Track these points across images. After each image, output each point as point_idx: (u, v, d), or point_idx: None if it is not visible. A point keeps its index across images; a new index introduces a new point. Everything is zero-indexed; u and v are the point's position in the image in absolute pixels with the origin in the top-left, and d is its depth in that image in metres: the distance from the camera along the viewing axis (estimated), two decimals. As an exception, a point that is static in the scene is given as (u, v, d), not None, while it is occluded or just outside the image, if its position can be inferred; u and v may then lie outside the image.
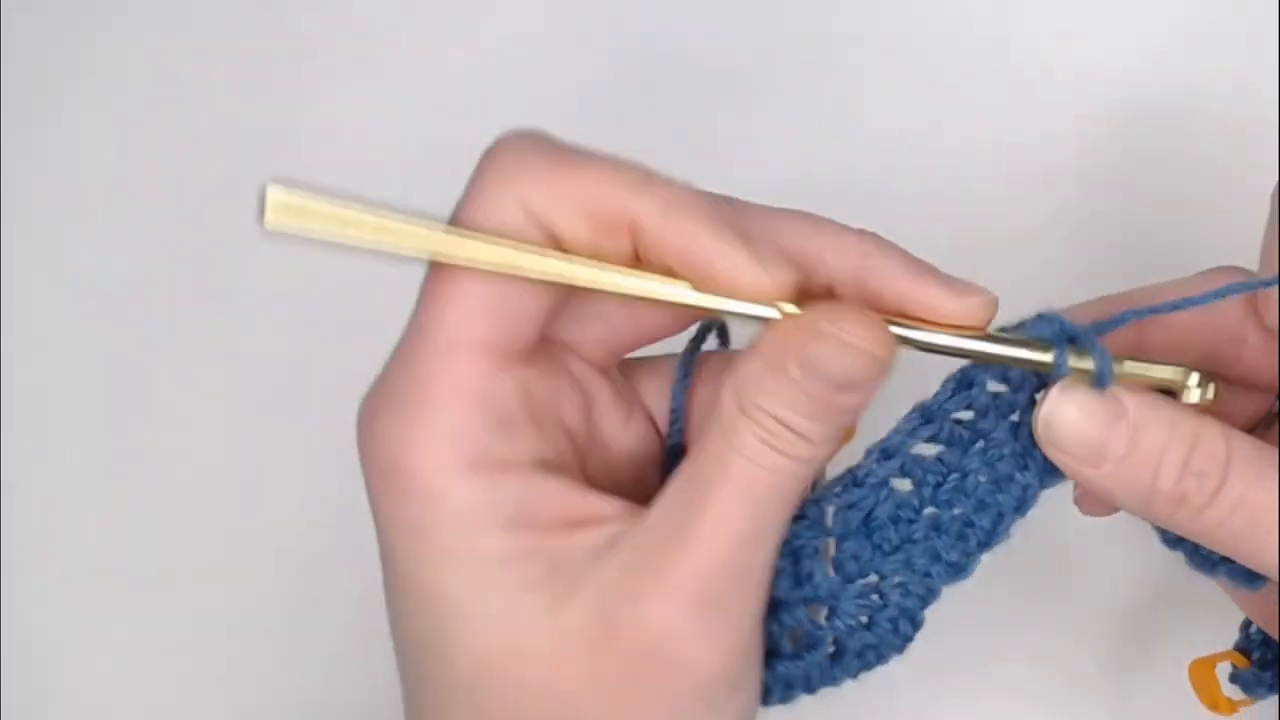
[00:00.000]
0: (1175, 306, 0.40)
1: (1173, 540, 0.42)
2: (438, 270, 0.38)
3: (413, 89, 0.61)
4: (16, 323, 0.61)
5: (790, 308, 0.37)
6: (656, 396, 0.43)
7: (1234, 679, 0.44)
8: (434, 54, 0.61)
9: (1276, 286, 0.40)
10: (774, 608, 0.40)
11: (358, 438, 0.38)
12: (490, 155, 0.38)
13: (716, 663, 0.37)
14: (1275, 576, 0.38)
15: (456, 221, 0.37)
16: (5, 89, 0.62)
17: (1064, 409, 0.39)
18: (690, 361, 0.43)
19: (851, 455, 0.41)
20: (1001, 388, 0.40)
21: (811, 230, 0.39)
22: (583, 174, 0.37)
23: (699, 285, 0.37)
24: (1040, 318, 0.40)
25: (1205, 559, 0.42)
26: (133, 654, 0.60)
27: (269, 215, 0.34)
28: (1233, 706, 0.44)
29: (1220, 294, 0.40)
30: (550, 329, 0.40)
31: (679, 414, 0.43)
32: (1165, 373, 0.40)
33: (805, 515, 0.40)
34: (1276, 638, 0.44)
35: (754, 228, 0.38)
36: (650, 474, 0.42)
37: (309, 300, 0.59)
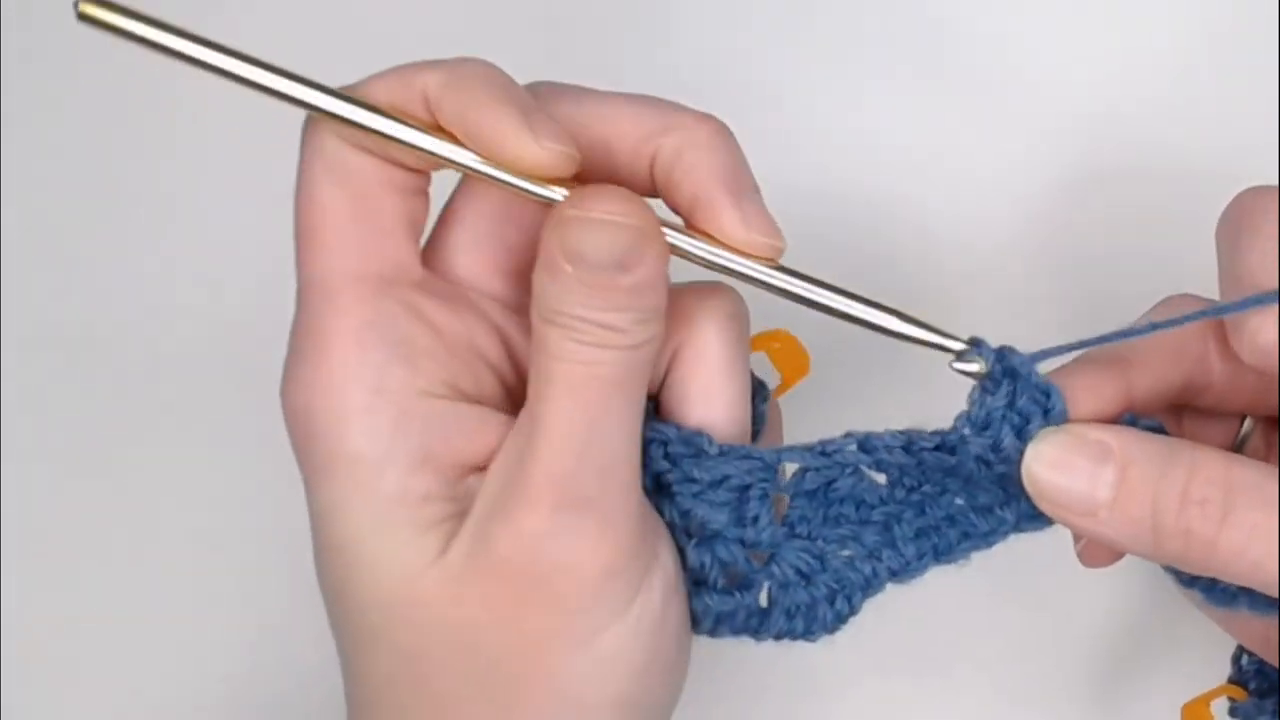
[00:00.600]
0: (1125, 335, 0.39)
1: (1187, 580, 0.40)
2: (304, 231, 0.39)
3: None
4: (17, 322, 0.61)
5: (564, 192, 0.36)
6: None
7: (1233, 713, 0.43)
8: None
9: (1239, 312, 0.38)
10: (709, 539, 0.40)
11: (281, 404, 0.38)
12: None
13: (599, 561, 0.36)
14: None
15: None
16: (5, 89, 0.62)
17: (1044, 463, 0.37)
18: None
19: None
20: (990, 456, 0.39)
21: (641, 111, 0.38)
22: (415, 69, 0.37)
23: (482, 156, 0.36)
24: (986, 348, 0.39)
25: (1224, 594, 0.40)
26: (133, 654, 0.60)
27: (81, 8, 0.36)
28: None
29: (1177, 322, 0.39)
30: (437, 266, 0.40)
31: None
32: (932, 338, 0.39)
33: (757, 457, 0.39)
34: (1278, 665, 0.43)
35: (562, 108, 0.38)
36: None
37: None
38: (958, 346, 0.39)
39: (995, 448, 0.38)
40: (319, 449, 0.38)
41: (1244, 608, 0.40)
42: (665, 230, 0.37)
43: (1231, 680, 0.45)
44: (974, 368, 0.39)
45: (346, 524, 0.37)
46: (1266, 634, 0.42)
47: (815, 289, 0.38)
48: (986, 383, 0.38)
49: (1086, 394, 0.39)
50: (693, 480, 0.39)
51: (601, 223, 0.35)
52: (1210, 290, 0.41)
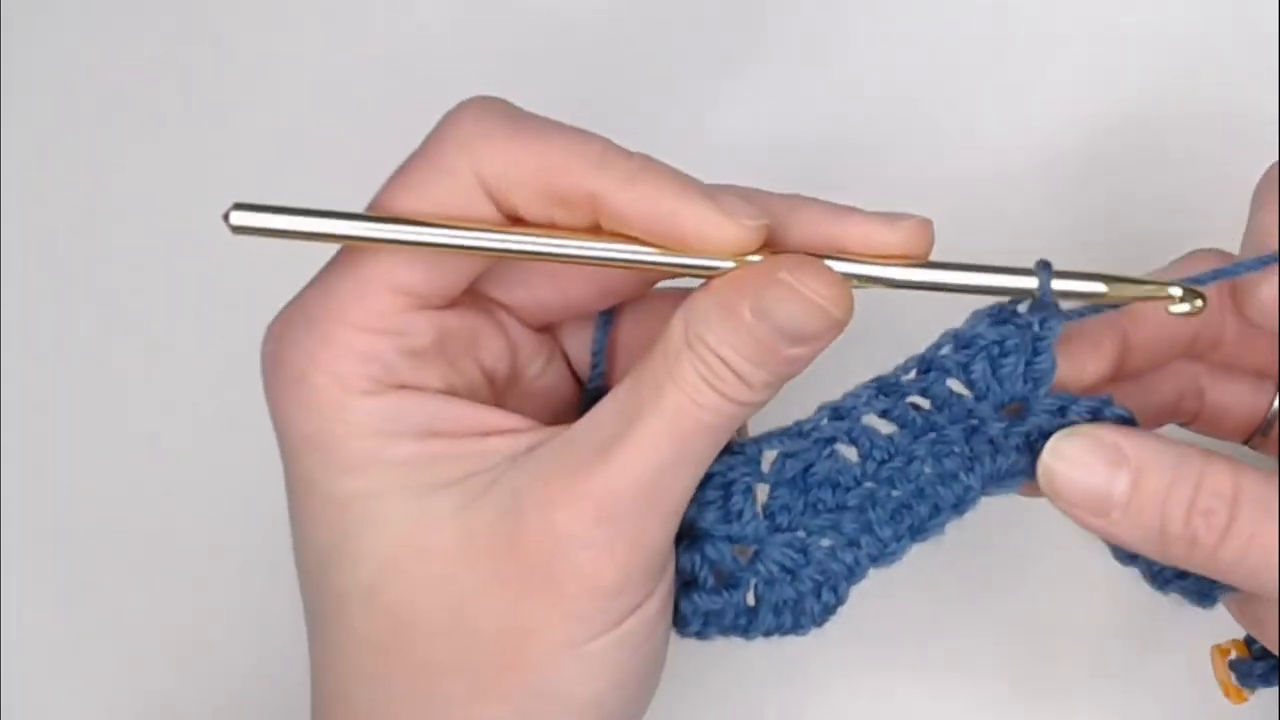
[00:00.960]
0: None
1: (1162, 583, 0.42)
2: (380, 202, 0.38)
3: (412, 87, 0.61)
4: (17, 323, 0.61)
5: (753, 257, 0.37)
6: (574, 342, 0.43)
7: (1232, 667, 0.45)
8: (432, 50, 0.61)
9: (1260, 270, 0.40)
10: (698, 539, 0.40)
11: (263, 350, 0.39)
12: (450, 120, 0.38)
13: (614, 577, 0.37)
14: None
15: (405, 181, 0.38)
16: (5, 89, 0.62)
17: (1063, 462, 0.38)
18: (609, 311, 0.43)
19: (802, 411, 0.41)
20: (965, 391, 0.40)
21: (741, 192, 0.39)
22: (542, 149, 0.37)
23: (667, 246, 0.37)
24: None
25: (1159, 579, 0.42)
26: (133, 654, 0.59)
27: (233, 221, 0.36)
28: (1241, 695, 0.45)
29: (1211, 277, 0.40)
30: (481, 288, 0.40)
31: (600, 358, 0.43)
32: (1147, 289, 0.39)
33: (743, 451, 0.40)
34: (1276, 649, 0.44)
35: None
36: (565, 417, 0.42)
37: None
38: (1177, 291, 0.39)
39: (967, 368, 0.39)
40: (315, 420, 0.38)
41: (1177, 593, 0.42)
42: (852, 265, 0.38)
43: (1246, 638, 0.45)
44: (1188, 307, 0.39)
45: (349, 484, 0.37)
46: (1257, 618, 0.43)
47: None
48: (1004, 309, 0.39)
49: (1080, 340, 0.40)
50: None
51: (807, 299, 0.36)
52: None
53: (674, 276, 0.38)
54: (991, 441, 0.40)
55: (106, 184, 0.62)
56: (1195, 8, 0.58)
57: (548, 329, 0.43)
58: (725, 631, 0.41)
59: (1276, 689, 0.44)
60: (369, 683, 0.38)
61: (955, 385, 0.40)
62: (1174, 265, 0.43)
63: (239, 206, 0.36)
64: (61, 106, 0.62)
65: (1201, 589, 0.41)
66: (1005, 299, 0.39)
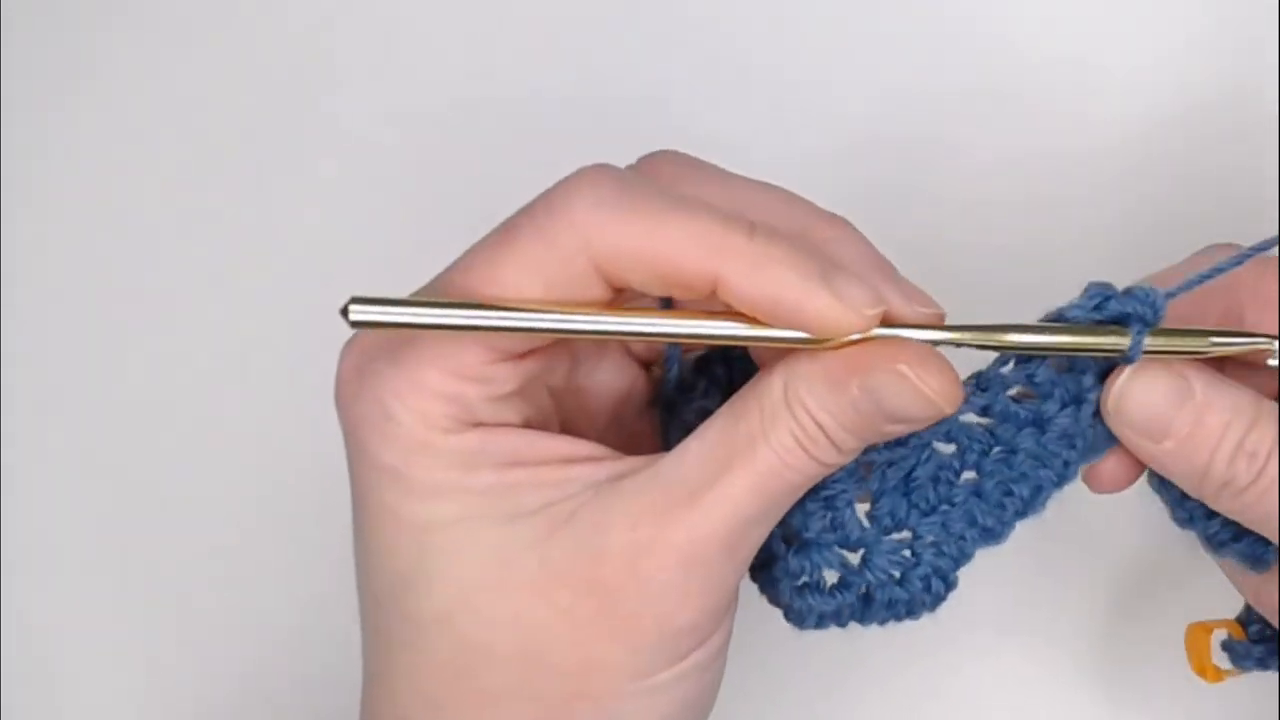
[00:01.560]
0: (1192, 283, 0.41)
1: (1184, 520, 0.43)
2: (478, 272, 0.38)
3: (412, 86, 0.61)
4: (17, 323, 0.61)
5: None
6: None
7: (1226, 648, 0.45)
8: (433, 51, 0.62)
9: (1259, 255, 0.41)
10: (806, 546, 0.41)
11: (340, 373, 0.39)
12: (564, 192, 0.38)
13: (687, 620, 0.38)
14: None
15: (508, 252, 0.37)
16: (5, 89, 0.62)
17: (1137, 387, 0.40)
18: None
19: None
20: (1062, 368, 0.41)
21: (786, 209, 0.40)
22: (661, 232, 0.37)
23: (784, 327, 0.37)
24: (1098, 295, 0.40)
25: (1215, 542, 0.43)
26: (133, 654, 0.60)
27: (352, 317, 0.36)
28: (1219, 675, 0.45)
29: (1226, 267, 0.41)
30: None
31: (673, 362, 0.43)
32: (1245, 345, 0.40)
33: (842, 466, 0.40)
34: (1276, 624, 0.44)
35: (710, 194, 0.38)
36: (625, 410, 0.43)
37: (311, 298, 0.59)
38: (1277, 346, 0.40)
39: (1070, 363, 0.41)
40: (398, 452, 0.38)
41: (1231, 558, 0.43)
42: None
43: (1239, 619, 0.46)
44: None
45: (430, 512, 0.38)
46: (1256, 588, 0.44)
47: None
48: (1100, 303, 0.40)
49: None
50: None
51: (921, 393, 0.37)
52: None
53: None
54: (1096, 413, 0.41)
55: (106, 183, 0.62)
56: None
57: None
58: (843, 623, 0.42)
59: (1276, 675, 0.44)
60: (433, 706, 0.39)
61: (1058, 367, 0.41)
62: (1188, 261, 0.43)
63: (356, 300, 0.36)
64: (61, 106, 0.62)
65: (1255, 552, 0.42)
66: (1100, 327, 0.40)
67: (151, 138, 0.62)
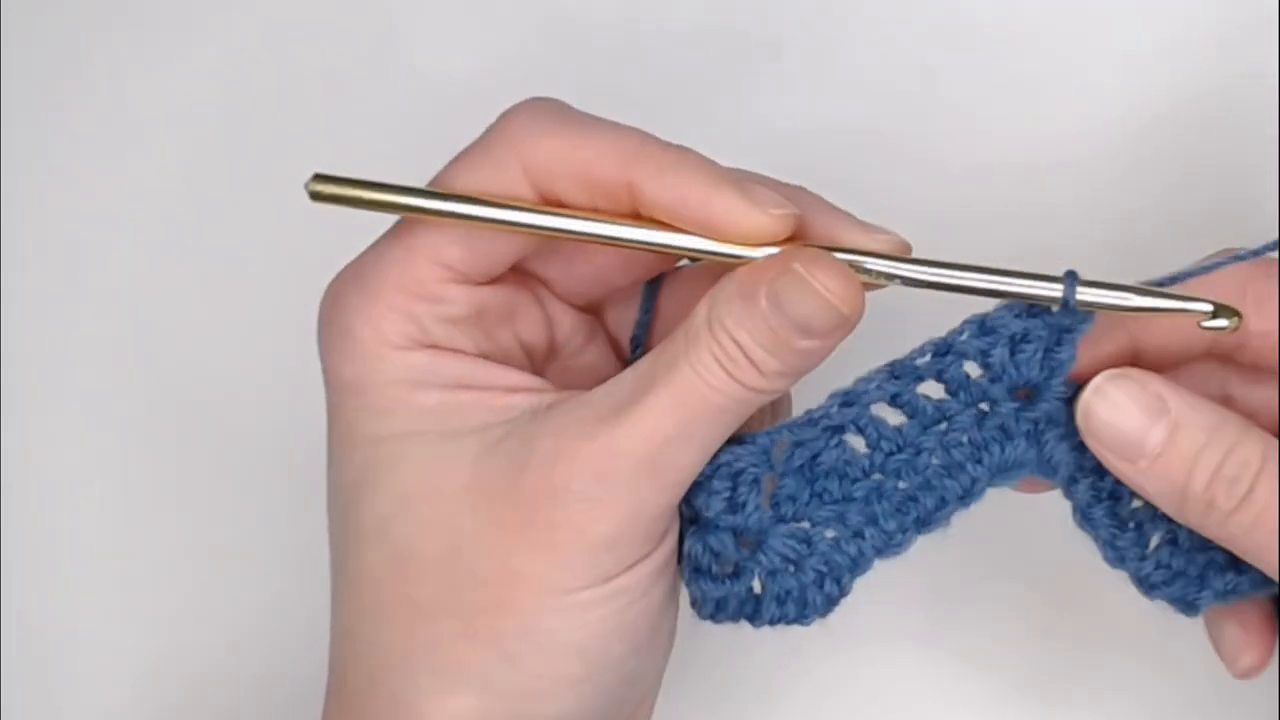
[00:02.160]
0: (1175, 279, 0.40)
1: (1115, 560, 0.42)
2: (436, 182, 0.41)
3: (410, 88, 0.61)
4: (17, 323, 0.61)
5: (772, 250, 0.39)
6: (617, 323, 0.46)
7: None
8: (433, 51, 0.62)
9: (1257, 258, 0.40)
10: (704, 528, 0.41)
11: (320, 306, 0.41)
12: (505, 116, 0.41)
13: (605, 532, 0.38)
14: None
15: (458, 167, 0.41)
16: (5, 89, 0.62)
17: (1105, 401, 0.39)
18: (652, 294, 0.44)
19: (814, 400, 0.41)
20: (979, 372, 0.40)
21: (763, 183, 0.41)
22: (583, 142, 0.39)
23: (698, 233, 0.39)
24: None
25: (1146, 584, 0.42)
26: (134, 654, 0.60)
27: (311, 188, 0.40)
28: None
29: (1212, 267, 0.41)
30: (522, 263, 0.42)
31: (641, 334, 0.44)
32: (1177, 304, 0.39)
33: (754, 442, 0.41)
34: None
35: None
36: None
37: (312, 297, 0.59)
38: (1206, 307, 0.39)
39: (985, 353, 0.40)
40: (356, 368, 0.40)
41: (1164, 600, 0.42)
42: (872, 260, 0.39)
43: None
44: (1224, 323, 0.39)
45: (381, 425, 0.40)
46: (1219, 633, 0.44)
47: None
48: (1035, 305, 0.40)
49: (1085, 346, 0.41)
50: None
51: (817, 293, 0.37)
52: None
53: (700, 260, 0.40)
54: (1002, 428, 0.40)
55: (106, 183, 0.62)
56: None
57: (591, 309, 0.45)
58: (734, 617, 0.42)
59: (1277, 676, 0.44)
60: (371, 617, 0.40)
61: (971, 369, 0.41)
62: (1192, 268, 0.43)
63: (318, 177, 0.40)
64: (61, 106, 0.62)
65: (1186, 597, 0.42)
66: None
67: (151, 138, 0.62)
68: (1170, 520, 0.40)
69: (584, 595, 0.39)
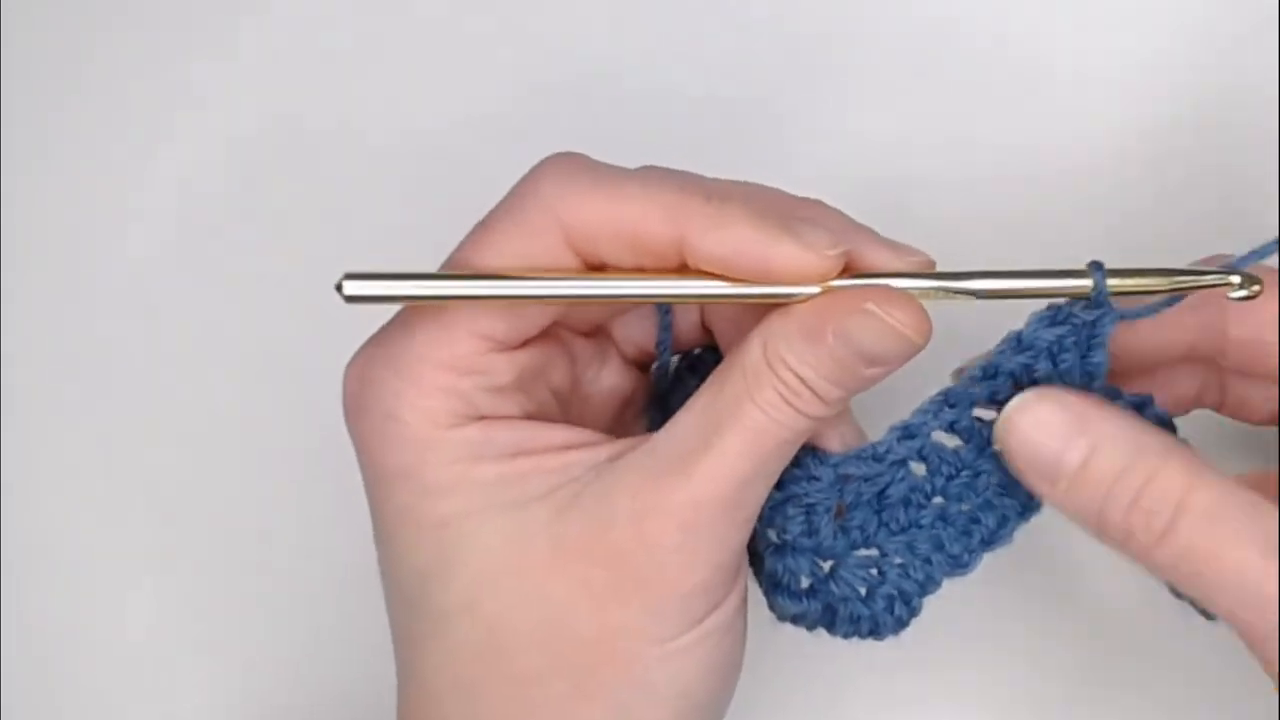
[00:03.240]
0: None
1: (1175, 590, 0.41)
2: (461, 261, 0.40)
3: (410, 91, 0.61)
4: (17, 323, 0.61)
5: (832, 283, 0.39)
6: (622, 329, 0.45)
7: None
8: (436, 59, 0.62)
9: (1260, 259, 0.40)
10: (781, 549, 0.42)
11: (345, 389, 0.41)
12: (532, 177, 0.40)
13: (697, 579, 0.39)
14: (1240, 631, 0.37)
15: (491, 235, 0.39)
16: (5, 89, 0.62)
17: (1024, 416, 0.39)
18: (666, 310, 0.44)
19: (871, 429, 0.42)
20: (1024, 378, 0.41)
21: (759, 192, 0.41)
22: (624, 203, 0.39)
23: (753, 282, 0.38)
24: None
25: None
26: (133, 654, 0.59)
27: (346, 291, 0.38)
28: None
29: (1209, 271, 0.40)
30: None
31: (665, 365, 0.45)
32: (1206, 279, 0.39)
33: (820, 477, 0.42)
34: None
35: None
36: (628, 414, 0.45)
37: (312, 297, 0.59)
38: (1236, 279, 0.39)
39: (1030, 368, 0.40)
40: (406, 455, 0.39)
41: (1188, 601, 0.41)
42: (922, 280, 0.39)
43: None
44: (1245, 293, 0.39)
45: (442, 507, 0.39)
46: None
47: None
48: (1060, 310, 0.40)
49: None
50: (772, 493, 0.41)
51: (890, 328, 0.38)
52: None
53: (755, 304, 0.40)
54: None
55: (106, 183, 0.62)
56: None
57: (599, 329, 0.45)
58: (811, 628, 0.43)
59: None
60: (467, 692, 0.40)
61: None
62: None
63: (350, 276, 0.38)
64: (61, 106, 0.62)
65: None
66: (1063, 300, 0.40)
67: (151, 138, 0.62)
68: None
69: (682, 640, 0.39)
